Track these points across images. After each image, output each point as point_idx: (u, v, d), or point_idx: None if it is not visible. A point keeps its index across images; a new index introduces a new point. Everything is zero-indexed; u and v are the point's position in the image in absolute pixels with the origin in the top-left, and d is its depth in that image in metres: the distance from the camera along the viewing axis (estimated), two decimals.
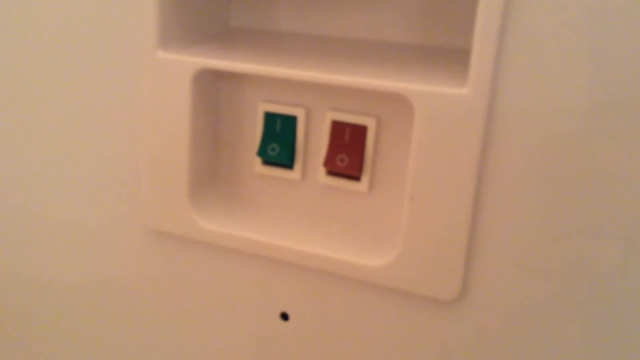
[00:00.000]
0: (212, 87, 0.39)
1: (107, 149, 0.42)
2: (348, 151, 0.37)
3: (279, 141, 0.39)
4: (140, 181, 0.40)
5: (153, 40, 0.36)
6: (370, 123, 0.37)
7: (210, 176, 0.41)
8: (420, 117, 0.31)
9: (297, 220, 0.39)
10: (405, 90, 0.31)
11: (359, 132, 0.37)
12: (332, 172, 0.38)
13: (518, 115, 0.30)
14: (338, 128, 0.37)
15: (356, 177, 0.38)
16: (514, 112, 0.30)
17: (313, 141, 0.39)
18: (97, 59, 0.40)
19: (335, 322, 0.39)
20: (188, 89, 0.36)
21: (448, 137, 0.31)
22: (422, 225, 0.33)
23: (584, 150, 0.30)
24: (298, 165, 0.39)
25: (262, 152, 0.39)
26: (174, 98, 0.37)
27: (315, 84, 0.36)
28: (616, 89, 0.29)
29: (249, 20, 0.43)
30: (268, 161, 0.40)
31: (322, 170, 0.38)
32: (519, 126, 0.31)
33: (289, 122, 0.39)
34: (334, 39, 0.41)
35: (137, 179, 0.41)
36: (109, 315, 0.46)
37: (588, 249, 0.31)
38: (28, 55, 0.42)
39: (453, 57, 0.36)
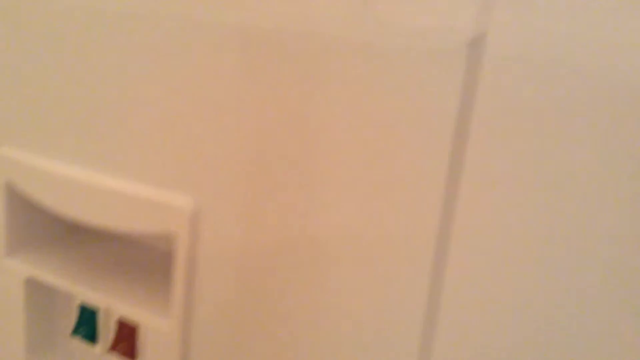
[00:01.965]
0: (41, 285, 0.56)
1: None
2: (127, 339, 0.53)
3: (87, 325, 0.55)
4: None
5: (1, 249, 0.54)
6: (143, 321, 0.53)
7: (43, 346, 0.57)
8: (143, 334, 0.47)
9: None
10: (136, 319, 0.47)
11: (133, 328, 0.53)
12: (117, 352, 0.54)
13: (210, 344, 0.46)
14: (121, 323, 0.54)
15: (133, 356, 0.53)
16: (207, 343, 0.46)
17: (109, 328, 0.55)
18: None
19: None
20: (22, 290, 0.53)
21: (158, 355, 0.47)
22: None
23: None
24: (99, 344, 0.55)
25: (76, 332, 0.55)
26: (11, 296, 0.54)
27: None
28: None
29: None
30: (80, 338, 0.56)
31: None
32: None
33: (94, 313, 0.55)
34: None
35: None
36: None
37: None
38: None
39: None
